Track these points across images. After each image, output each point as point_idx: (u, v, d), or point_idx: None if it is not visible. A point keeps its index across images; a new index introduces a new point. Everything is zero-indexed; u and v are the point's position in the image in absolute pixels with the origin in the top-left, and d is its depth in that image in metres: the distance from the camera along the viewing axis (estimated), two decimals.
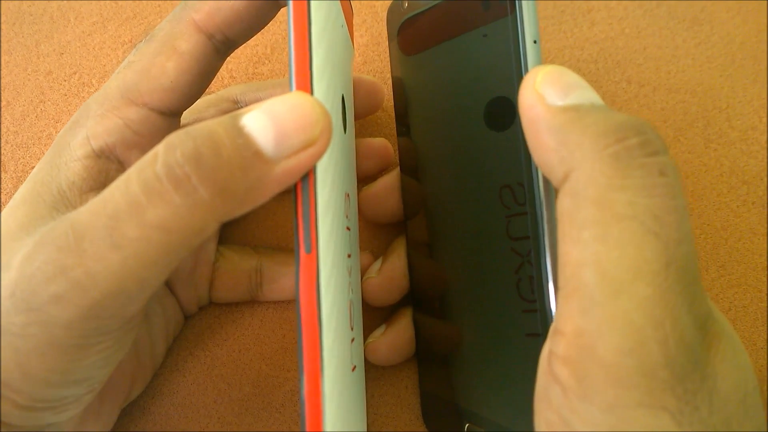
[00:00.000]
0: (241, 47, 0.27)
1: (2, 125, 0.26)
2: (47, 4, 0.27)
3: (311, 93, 0.14)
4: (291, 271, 0.23)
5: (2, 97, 0.26)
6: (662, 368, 0.11)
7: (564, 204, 0.13)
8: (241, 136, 0.13)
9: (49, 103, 0.26)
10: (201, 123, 0.13)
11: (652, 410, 0.11)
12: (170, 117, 0.17)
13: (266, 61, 0.27)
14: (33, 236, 0.14)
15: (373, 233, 0.25)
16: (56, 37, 0.27)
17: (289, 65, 0.14)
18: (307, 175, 0.14)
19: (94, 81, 0.26)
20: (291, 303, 0.24)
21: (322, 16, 0.15)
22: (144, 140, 0.17)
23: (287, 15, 0.14)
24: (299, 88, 0.14)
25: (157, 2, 0.27)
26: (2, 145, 0.25)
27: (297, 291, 0.13)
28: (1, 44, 0.27)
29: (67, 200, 0.15)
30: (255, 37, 0.27)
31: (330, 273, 0.14)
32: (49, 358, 0.13)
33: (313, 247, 0.13)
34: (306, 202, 0.13)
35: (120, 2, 0.27)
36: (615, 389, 0.11)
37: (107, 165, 0.16)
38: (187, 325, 0.23)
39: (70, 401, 0.15)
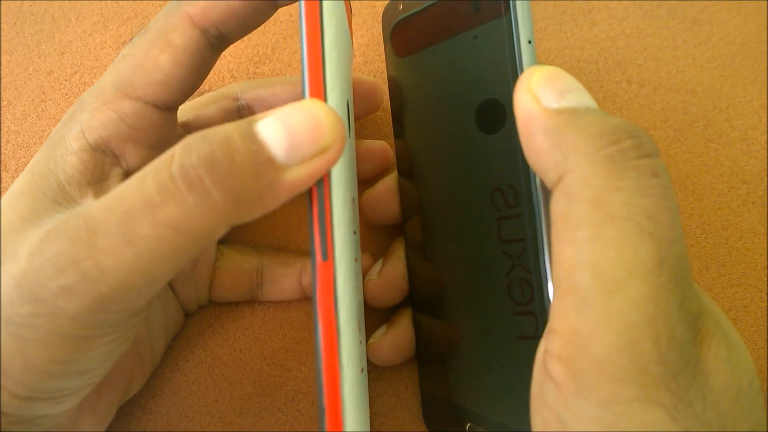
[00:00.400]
0: (242, 47, 0.27)
1: (3, 125, 0.26)
2: (48, 3, 0.27)
3: (325, 101, 0.14)
4: (292, 272, 0.23)
5: (3, 97, 0.26)
6: (655, 364, 0.11)
7: (558, 205, 0.13)
8: (255, 142, 0.13)
9: (50, 102, 0.26)
10: (218, 127, 0.13)
11: (647, 405, 0.11)
12: (165, 111, 0.17)
13: (267, 61, 0.27)
14: (37, 228, 0.14)
15: (372, 235, 0.25)
16: (57, 36, 0.27)
17: (302, 72, 0.14)
18: (322, 182, 0.14)
19: (95, 80, 0.26)
20: (292, 302, 0.24)
21: (335, 23, 0.15)
22: (139, 134, 0.17)
23: (299, 21, 0.14)
24: (313, 95, 0.14)
25: (158, 2, 0.27)
26: (3, 144, 0.25)
27: (314, 298, 0.14)
28: (3, 44, 0.27)
29: (66, 194, 0.16)
30: (256, 36, 0.27)
31: (345, 279, 0.14)
32: (54, 348, 0.13)
33: (329, 254, 0.14)
34: (321, 209, 0.14)
35: (121, 2, 0.27)
36: (610, 385, 0.11)
37: (103, 159, 0.16)
38: (188, 324, 0.23)
39: (68, 393, 0.15)
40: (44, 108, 0.26)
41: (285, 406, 0.23)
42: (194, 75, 0.17)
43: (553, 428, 0.12)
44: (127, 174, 0.17)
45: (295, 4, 0.23)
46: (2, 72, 0.26)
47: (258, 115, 0.14)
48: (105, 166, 0.16)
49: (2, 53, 0.27)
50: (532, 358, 0.14)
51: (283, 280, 0.23)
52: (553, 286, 0.13)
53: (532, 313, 0.17)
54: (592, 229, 0.12)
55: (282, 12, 0.27)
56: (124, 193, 0.13)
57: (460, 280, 0.19)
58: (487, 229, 0.18)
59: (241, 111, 0.22)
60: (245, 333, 0.23)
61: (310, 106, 0.14)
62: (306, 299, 0.24)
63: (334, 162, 0.14)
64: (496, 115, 0.17)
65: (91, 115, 0.16)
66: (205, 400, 0.23)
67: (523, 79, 0.14)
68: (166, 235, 0.12)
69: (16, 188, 0.16)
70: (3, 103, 0.26)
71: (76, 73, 0.26)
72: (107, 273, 0.13)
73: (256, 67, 0.27)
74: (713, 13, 0.27)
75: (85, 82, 0.26)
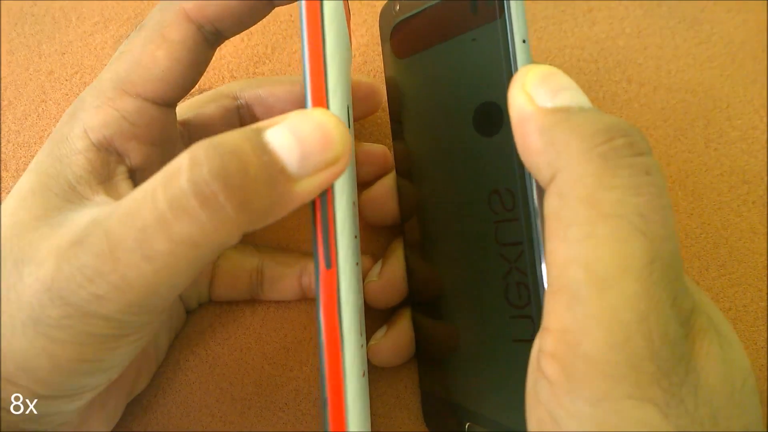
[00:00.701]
0: (242, 47, 0.26)
1: (4, 124, 0.26)
2: (49, 4, 0.27)
3: (327, 108, 0.14)
4: (293, 271, 0.23)
5: (4, 97, 0.26)
6: (648, 362, 0.11)
7: (551, 204, 0.13)
8: (266, 153, 0.13)
9: (51, 102, 0.26)
10: (224, 135, 0.13)
11: (640, 402, 0.11)
12: (165, 108, 0.17)
13: (267, 61, 0.26)
14: (52, 227, 0.14)
15: (371, 235, 0.24)
16: (58, 37, 0.27)
17: (304, 79, 0.14)
18: (325, 191, 0.14)
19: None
20: (292, 302, 0.24)
21: (335, 26, 0.15)
22: (141, 131, 0.17)
23: (300, 25, 0.14)
24: (316, 104, 0.14)
25: (158, 3, 0.27)
26: (4, 144, 0.25)
27: (318, 306, 0.13)
28: (4, 44, 0.27)
29: (77, 193, 0.15)
30: (256, 36, 0.27)
31: (348, 286, 0.14)
32: (85, 347, 0.13)
33: (333, 262, 0.14)
34: (325, 218, 0.14)
35: (121, 2, 0.27)
36: (603, 383, 0.11)
37: (108, 157, 0.16)
38: (189, 323, 0.23)
39: (87, 390, 0.15)
40: (44, 108, 0.26)
41: (286, 406, 0.23)
42: (192, 71, 0.17)
43: (547, 427, 0.12)
44: (131, 172, 0.17)
45: (295, 5, 0.23)
46: (3, 72, 0.26)
47: (263, 123, 0.13)
48: (110, 164, 0.16)
49: (4, 54, 0.27)
50: (528, 362, 0.14)
51: (284, 279, 0.22)
52: (547, 284, 0.13)
53: (529, 317, 0.17)
54: (584, 227, 0.12)
55: (282, 12, 0.27)
56: (137, 207, 0.13)
57: (459, 281, 0.19)
58: (484, 232, 0.18)
59: (240, 110, 0.22)
60: (246, 333, 0.23)
61: (318, 116, 0.13)
62: (306, 299, 0.24)
63: (341, 173, 0.14)
64: (494, 118, 0.17)
65: (93, 114, 0.16)
66: (206, 399, 0.23)
67: (517, 79, 0.14)
68: (182, 251, 0.12)
69: (25, 187, 0.16)
70: (4, 103, 0.26)
71: (76, 73, 0.26)
72: (132, 284, 0.13)
73: (256, 67, 0.26)
74: (714, 12, 0.27)
75: (85, 82, 0.26)
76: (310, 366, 0.23)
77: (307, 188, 0.13)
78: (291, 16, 0.27)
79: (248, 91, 0.22)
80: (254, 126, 0.13)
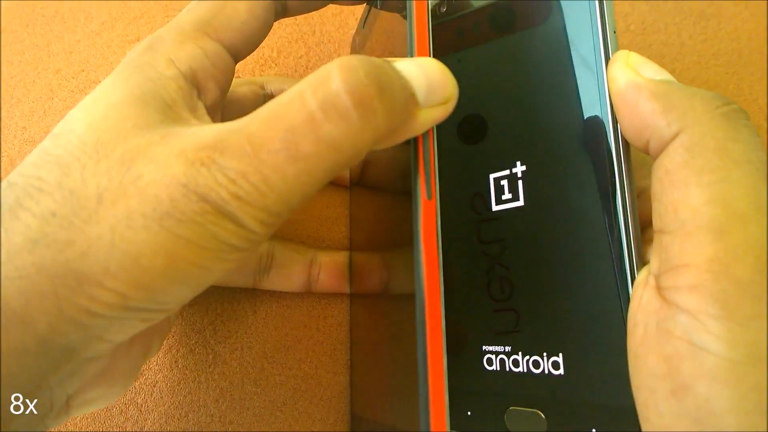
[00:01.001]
0: None
1: (11, 121, 0.25)
2: (59, 4, 0.27)
3: None
4: (303, 259, 0.22)
5: (13, 95, 0.25)
6: None
7: (676, 157, 0.14)
8: (401, 77, 0.13)
9: (57, 99, 0.25)
10: (358, 56, 0.13)
11: None
12: (234, 60, 0.17)
13: (273, 65, 0.26)
14: (166, 137, 0.13)
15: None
16: (66, 36, 0.26)
17: (409, 39, 0.15)
18: (428, 129, 0.15)
19: (101, 78, 0.25)
20: (293, 301, 0.23)
21: None
22: (218, 74, 0.16)
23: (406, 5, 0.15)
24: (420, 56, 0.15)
25: (164, 2, 0.27)
26: (11, 139, 0.25)
27: (417, 238, 0.14)
28: (15, 44, 0.26)
29: (175, 113, 0.15)
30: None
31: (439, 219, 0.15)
32: (204, 252, 0.12)
33: (433, 194, 0.14)
34: (427, 154, 0.14)
35: (128, 2, 0.27)
36: (752, 303, 0.12)
37: (192, 90, 0.16)
38: (188, 322, 0.22)
39: (162, 309, 0.14)
40: (51, 105, 0.25)
41: (284, 405, 0.21)
42: (259, 33, 0.17)
43: (683, 356, 0.13)
44: (208, 110, 0.16)
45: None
46: (14, 71, 0.26)
47: (390, 58, 0.14)
48: (194, 97, 0.16)
49: (15, 53, 0.26)
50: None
51: (293, 266, 0.22)
52: (670, 230, 0.14)
53: (512, 309, 0.17)
54: (718, 173, 0.13)
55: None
56: (284, 110, 0.12)
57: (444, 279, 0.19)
58: (467, 231, 0.18)
59: (266, 99, 0.22)
60: (246, 331, 0.22)
61: (435, 62, 0.14)
62: (307, 297, 0.23)
63: (449, 112, 0.14)
64: (478, 128, 0.19)
65: (177, 47, 0.15)
66: (204, 399, 0.21)
67: (618, 59, 0.15)
68: (326, 154, 0.12)
69: (114, 98, 0.14)
70: (13, 101, 0.25)
71: (83, 71, 0.26)
72: (273, 187, 0.12)
73: (262, 70, 0.26)
74: (721, 8, 0.26)
75: (91, 80, 0.25)
76: (309, 364, 0.22)
77: (427, 118, 0.14)
78: (296, 20, 0.27)
79: (274, 84, 0.22)
80: (383, 59, 0.13)
